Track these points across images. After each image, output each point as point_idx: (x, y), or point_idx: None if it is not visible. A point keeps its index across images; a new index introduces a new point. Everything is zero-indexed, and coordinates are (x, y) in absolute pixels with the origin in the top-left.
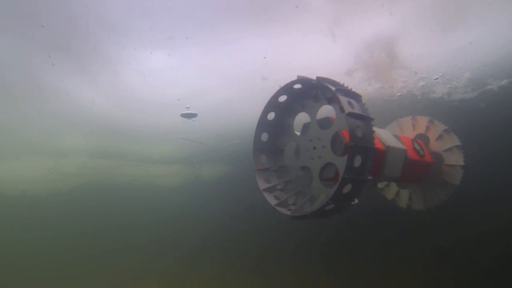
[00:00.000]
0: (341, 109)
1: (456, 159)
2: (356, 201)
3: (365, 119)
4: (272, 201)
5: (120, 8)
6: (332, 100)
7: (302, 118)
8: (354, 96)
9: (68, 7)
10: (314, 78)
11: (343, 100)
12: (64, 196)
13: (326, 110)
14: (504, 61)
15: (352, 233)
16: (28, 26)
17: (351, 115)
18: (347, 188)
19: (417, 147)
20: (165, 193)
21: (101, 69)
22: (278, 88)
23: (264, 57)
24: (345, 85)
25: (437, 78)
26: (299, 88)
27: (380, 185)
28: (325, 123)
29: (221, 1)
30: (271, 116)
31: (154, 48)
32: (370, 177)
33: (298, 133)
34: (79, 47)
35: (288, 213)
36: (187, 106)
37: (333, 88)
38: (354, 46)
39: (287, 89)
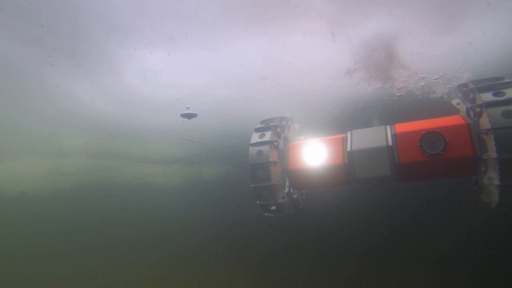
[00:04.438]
0: None
1: None
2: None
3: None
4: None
5: (120, 8)
6: None
7: None
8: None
9: (68, 7)
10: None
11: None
12: (64, 196)
13: None
14: (504, 61)
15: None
16: (28, 26)
17: None
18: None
19: (426, 143)
20: (164, 193)
21: (101, 69)
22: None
23: (264, 57)
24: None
25: (437, 78)
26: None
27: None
28: None
29: (221, 1)
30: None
31: (154, 48)
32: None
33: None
34: (79, 47)
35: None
36: (187, 106)
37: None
38: (354, 46)
39: None
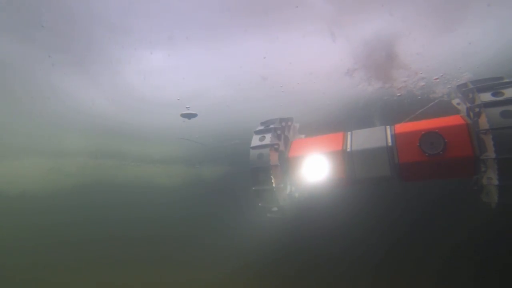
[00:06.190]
0: None
1: None
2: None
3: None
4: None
5: (120, 8)
6: None
7: None
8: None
9: (68, 7)
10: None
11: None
12: (64, 196)
13: None
14: (504, 61)
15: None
16: (28, 26)
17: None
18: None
19: (425, 144)
20: (164, 192)
21: (101, 69)
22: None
23: (264, 57)
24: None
25: (437, 78)
26: None
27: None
28: None
29: (221, 1)
30: None
31: (154, 48)
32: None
33: None
34: (79, 47)
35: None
36: (187, 106)
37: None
38: (354, 46)
39: None
